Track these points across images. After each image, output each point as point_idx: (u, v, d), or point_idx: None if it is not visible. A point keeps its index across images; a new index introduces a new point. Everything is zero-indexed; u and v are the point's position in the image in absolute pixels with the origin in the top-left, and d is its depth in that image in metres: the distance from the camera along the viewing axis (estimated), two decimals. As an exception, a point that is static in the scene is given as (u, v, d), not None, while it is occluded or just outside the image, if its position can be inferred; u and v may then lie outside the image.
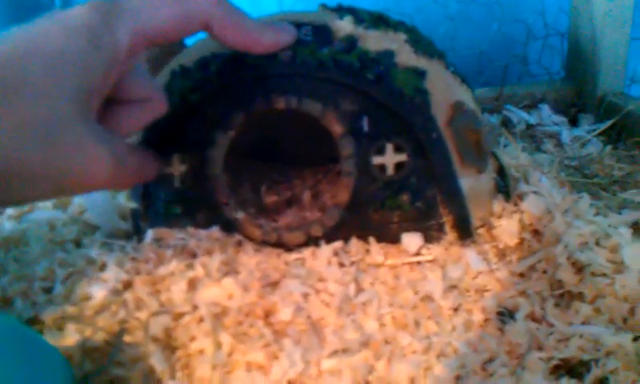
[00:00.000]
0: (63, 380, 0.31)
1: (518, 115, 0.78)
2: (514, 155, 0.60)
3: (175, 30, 0.38)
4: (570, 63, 0.84)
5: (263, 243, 0.48)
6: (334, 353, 0.39)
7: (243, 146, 0.49)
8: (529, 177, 0.55)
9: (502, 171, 0.53)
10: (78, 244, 0.52)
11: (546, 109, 0.79)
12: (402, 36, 0.48)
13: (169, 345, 0.39)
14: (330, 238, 0.48)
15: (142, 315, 0.40)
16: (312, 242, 0.48)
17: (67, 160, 0.33)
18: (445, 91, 0.47)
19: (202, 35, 0.52)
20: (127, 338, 0.39)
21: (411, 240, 0.48)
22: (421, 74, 0.46)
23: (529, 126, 0.77)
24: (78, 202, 0.59)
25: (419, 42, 0.48)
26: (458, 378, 0.38)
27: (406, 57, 0.47)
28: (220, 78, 0.47)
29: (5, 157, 0.31)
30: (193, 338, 0.39)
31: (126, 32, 0.35)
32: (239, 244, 0.48)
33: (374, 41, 0.47)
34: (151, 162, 0.44)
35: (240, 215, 0.48)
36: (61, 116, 0.32)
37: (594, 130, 0.76)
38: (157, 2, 0.37)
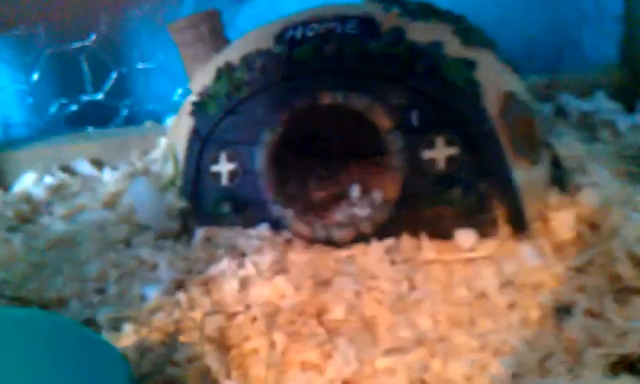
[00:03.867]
0: (124, 378, 0.32)
1: (571, 103, 0.76)
2: (569, 145, 0.58)
3: None
4: (626, 48, 0.81)
5: (312, 241, 0.48)
6: (389, 351, 0.39)
7: (288, 140, 0.49)
8: (585, 168, 0.53)
9: (556, 162, 0.52)
10: (128, 244, 0.53)
11: (601, 96, 0.76)
12: (451, 26, 0.47)
13: (223, 344, 0.40)
14: (380, 235, 0.47)
15: (196, 315, 0.41)
16: (362, 238, 0.47)
17: None
18: (496, 81, 0.46)
19: (246, 29, 0.53)
20: (182, 338, 0.39)
21: (465, 236, 0.47)
22: (471, 64, 0.45)
23: (583, 115, 0.74)
24: (126, 202, 0.60)
25: (468, 32, 0.47)
26: (514, 375, 0.37)
27: (456, 47, 0.46)
28: (265, 76, 0.47)
29: None
30: (247, 338, 0.40)
31: None
32: (288, 242, 0.48)
33: (422, 32, 0.46)
34: None
35: (288, 213, 0.48)
36: None
37: (652, 117, 0.73)
38: None
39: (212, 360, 0.38)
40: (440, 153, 0.46)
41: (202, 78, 0.51)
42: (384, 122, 0.45)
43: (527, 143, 0.46)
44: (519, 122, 0.46)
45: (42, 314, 0.32)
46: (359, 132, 0.54)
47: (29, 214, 0.65)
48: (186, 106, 0.52)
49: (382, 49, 0.45)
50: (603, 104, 0.75)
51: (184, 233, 0.51)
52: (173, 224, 0.52)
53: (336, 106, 0.46)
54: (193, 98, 0.51)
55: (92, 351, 0.31)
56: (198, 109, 0.50)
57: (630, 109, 0.75)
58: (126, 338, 0.39)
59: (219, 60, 0.50)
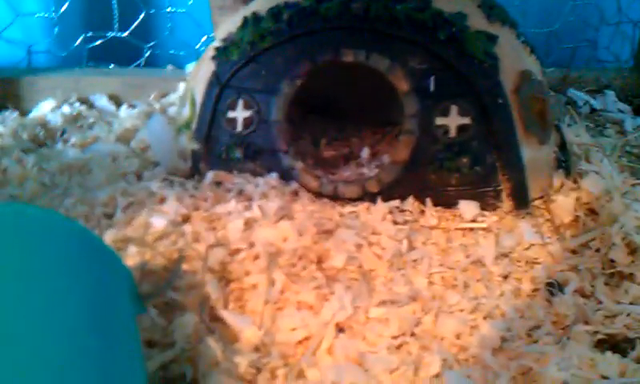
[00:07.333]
0: (127, 288, 0.32)
1: (582, 98, 0.77)
2: (577, 133, 0.59)
3: None
4: (640, 52, 0.82)
5: (318, 195, 0.49)
6: (383, 303, 0.40)
7: (305, 101, 0.50)
8: (590, 156, 0.54)
9: (563, 146, 0.53)
10: (139, 177, 0.54)
11: (611, 95, 0.77)
12: (476, 1, 0.48)
13: (224, 277, 0.40)
14: (385, 195, 0.48)
15: (200, 247, 0.41)
16: (367, 197, 0.48)
17: None
18: (514, 59, 0.47)
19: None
20: (185, 266, 0.40)
21: (468, 207, 0.48)
22: (492, 38, 0.46)
23: (593, 111, 0.76)
24: (140, 137, 0.61)
25: (492, 8, 0.48)
26: (503, 339, 0.38)
27: (479, 21, 0.47)
28: (291, 27, 0.48)
29: None
30: (247, 273, 0.40)
31: None
32: (295, 193, 0.49)
33: (448, 2, 0.47)
34: None
35: (298, 164, 0.49)
36: None
37: (658, 122, 0.74)
38: None
39: (212, 290, 0.39)
40: (453, 121, 0.46)
41: (228, 26, 0.52)
42: (402, 84, 0.46)
43: (538, 122, 0.47)
44: (533, 100, 0.47)
45: (55, 214, 0.33)
46: (374, 101, 0.55)
47: (44, 138, 0.66)
48: (209, 51, 0.52)
49: (407, 12, 0.45)
50: (612, 103, 0.76)
51: (194, 174, 0.52)
52: (183, 164, 0.53)
53: (356, 66, 0.47)
54: (216, 43, 0.52)
55: (99, 257, 0.32)
56: (221, 54, 0.51)
57: (637, 111, 0.76)
58: (131, 258, 0.40)
59: (247, 10, 0.51)
